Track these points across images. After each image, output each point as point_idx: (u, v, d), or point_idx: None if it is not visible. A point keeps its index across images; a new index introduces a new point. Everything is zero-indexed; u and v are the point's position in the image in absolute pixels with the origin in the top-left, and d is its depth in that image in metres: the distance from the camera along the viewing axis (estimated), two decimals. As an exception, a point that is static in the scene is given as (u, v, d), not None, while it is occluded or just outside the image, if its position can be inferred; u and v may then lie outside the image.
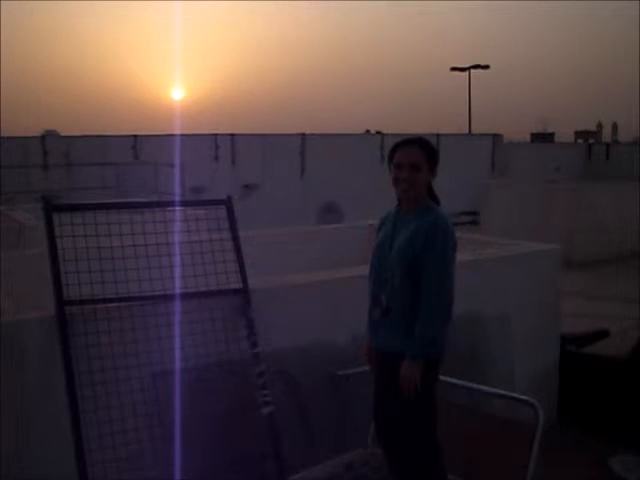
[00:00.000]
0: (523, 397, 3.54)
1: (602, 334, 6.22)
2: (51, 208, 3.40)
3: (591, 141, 40.06)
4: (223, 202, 3.84)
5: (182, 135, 18.22)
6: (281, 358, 3.84)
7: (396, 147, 3.17)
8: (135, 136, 19.11)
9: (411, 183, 3.08)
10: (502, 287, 4.95)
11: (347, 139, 21.80)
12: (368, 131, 32.27)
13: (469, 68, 34.37)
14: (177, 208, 4.08)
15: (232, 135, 20.12)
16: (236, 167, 19.79)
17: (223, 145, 19.82)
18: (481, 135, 24.92)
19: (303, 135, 20.86)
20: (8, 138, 18.24)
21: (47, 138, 19.34)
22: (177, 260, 3.59)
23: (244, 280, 3.71)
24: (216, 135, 19.95)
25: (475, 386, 3.71)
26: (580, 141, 43.72)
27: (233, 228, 3.79)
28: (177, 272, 3.53)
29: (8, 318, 3.30)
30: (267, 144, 20.15)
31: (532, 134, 51.41)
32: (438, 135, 20.75)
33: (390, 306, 3.10)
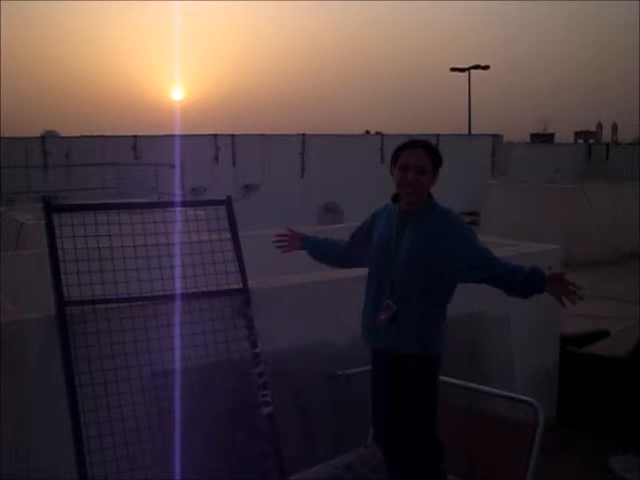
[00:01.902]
0: (523, 397, 3.54)
1: (602, 334, 6.23)
2: (51, 208, 3.40)
3: (591, 141, 40.02)
4: (223, 202, 3.84)
5: (182, 135, 18.25)
6: (281, 358, 3.84)
7: (401, 148, 3.12)
8: (135, 136, 19.14)
9: (416, 186, 3.06)
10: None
11: (347, 139, 21.83)
12: (368, 132, 32.25)
13: (469, 68, 34.36)
14: (177, 208, 4.08)
15: (232, 135, 20.13)
16: (236, 167, 19.80)
17: (223, 145, 19.83)
18: (481, 135, 24.93)
19: (303, 135, 20.88)
20: (8, 138, 18.26)
21: (47, 139, 19.37)
22: (177, 260, 3.59)
23: (244, 280, 3.71)
24: (216, 135, 19.97)
25: (475, 386, 3.71)
26: (580, 141, 43.70)
27: (233, 228, 3.79)
28: (177, 272, 3.53)
29: (8, 318, 3.29)
30: (267, 144, 20.16)
31: (532, 134, 51.39)
32: (438, 135, 20.75)
33: (400, 310, 3.04)
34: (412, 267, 3.02)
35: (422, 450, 3.14)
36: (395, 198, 3.19)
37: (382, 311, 3.08)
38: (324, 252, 3.55)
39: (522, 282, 2.93)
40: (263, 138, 20.54)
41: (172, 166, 15.46)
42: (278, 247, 3.56)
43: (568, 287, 2.84)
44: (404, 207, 3.13)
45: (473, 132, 30.47)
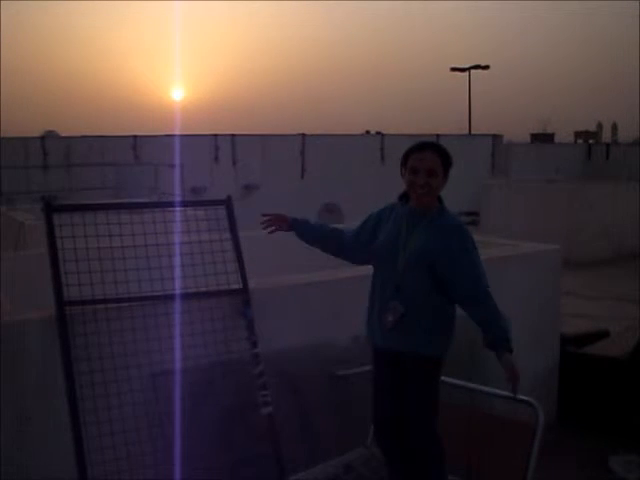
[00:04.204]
0: (523, 397, 3.54)
1: (602, 334, 6.23)
2: (51, 209, 3.40)
3: (591, 141, 40.04)
4: (223, 202, 3.83)
5: (182, 135, 18.24)
6: (281, 358, 3.84)
7: (411, 151, 3.11)
8: (135, 136, 19.12)
9: (428, 189, 3.05)
10: (502, 287, 4.94)
11: (347, 139, 21.81)
12: (368, 132, 32.23)
13: (469, 68, 34.38)
14: (177, 208, 4.08)
15: (232, 135, 20.12)
16: (236, 167, 19.79)
17: (223, 145, 19.82)
18: (481, 135, 24.92)
19: (303, 135, 20.87)
20: (8, 138, 18.25)
21: (47, 138, 19.36)
22: (177, 260, 3.59)
23: (244, 280, 3.71)
24: (216, 135, 19.96)
25: (475, 386, 3.71)
26: (580, 141, 43.71)
27: (233, 228, 3.79)
28: (177, 272, 3.53)
29: (8, 318, 3.30)
30: (267, 144, 20.16)
31: (532, 134, 51.44)
32: (438, 135, 20.74)
33: (407, 311, 3.03)
34: (418, 268, 3.02)
35: (422, 450, 3.14)
36: (403, 198, 3.18)
37: (389, 312, 3.07)
38: (323, 238, 3.44)
39: (491, 336, 3.11)
40: (263, 138, 20.53)
41: (172, 166, 15.45)
42: (264, 228, 3.48)
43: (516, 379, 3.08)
44: (414, 206, 3.12)
45: (473, 132, 30.45)
